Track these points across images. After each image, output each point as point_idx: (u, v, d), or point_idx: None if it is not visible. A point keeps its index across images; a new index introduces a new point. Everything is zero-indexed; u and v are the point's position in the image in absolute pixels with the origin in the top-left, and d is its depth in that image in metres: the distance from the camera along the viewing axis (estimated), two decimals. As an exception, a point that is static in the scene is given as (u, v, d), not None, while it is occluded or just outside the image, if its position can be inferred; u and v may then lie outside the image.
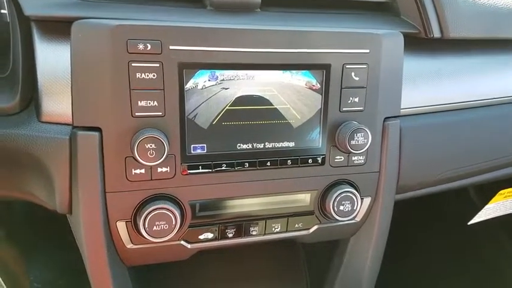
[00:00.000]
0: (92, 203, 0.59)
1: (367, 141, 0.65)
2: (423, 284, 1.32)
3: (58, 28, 0.57)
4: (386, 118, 0.70)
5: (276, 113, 0.63)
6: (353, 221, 0.75)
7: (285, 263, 0.91)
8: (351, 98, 0.66)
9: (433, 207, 1.34)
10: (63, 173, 0.59)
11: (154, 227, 0.60)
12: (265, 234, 0.71)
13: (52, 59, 0.57)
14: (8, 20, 0.60)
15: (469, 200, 1.25)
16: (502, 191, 1.01)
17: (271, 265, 0.72)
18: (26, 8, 0.55)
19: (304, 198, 0.70)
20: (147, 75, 0.56)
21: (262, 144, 0.64)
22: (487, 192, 1.05)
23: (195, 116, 0.60)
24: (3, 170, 0.63)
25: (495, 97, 0.81)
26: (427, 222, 1.36)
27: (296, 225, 0.72)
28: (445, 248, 1.33)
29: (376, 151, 0.71)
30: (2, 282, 0.90)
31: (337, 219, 0.70)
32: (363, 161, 0.70)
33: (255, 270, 0.81)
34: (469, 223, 1.07)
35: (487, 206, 1.04)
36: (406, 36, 0.69)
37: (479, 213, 1.04)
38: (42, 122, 0.58)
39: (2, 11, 0.62)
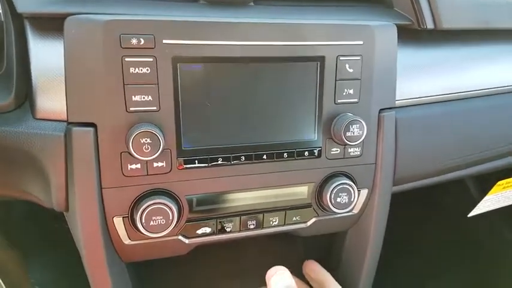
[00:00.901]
0: (88, 199, 0.59)
1: (363, 132, 0.65)
2: (423, 275, 1.31)
3: (51, 25, 0.57)
4: (381, 109, 0.70)
5: (271, 106, 0.63)
6: (350, 213, 0.75)
7: (283, 257, 0.91)
8: (345, 90, 0.66)
9: (431, 200, 1.33)
10: (59, 170, 0.59)
11: (152, 222, 0.60)
12: (263, 228, 0.71)
13: (46, 55, 0.57)
14: (1, 19, 0.60)
15: (467, 191, 1.25)
16: (500, 182, 1.01)
17: (269, 260, 0.72)
18: (19, 5, 0.55)
19: (301, 191, 0.70)
20: (141, 70, 0.56)
21: (258, 137, 0.64)
22: (485, 183, 1.05)
23: (189, 110, 0.60)
24: (-2, 168, 0.63)
25: (489, 87, 0.81)
26: (425, 215, 1.35)
27: (294, 219, 0.72)
28: (444, 239, 1.33)
29: (372, 143, 0.71)
30: (2, 283, 0.90)
31: (335, 212, 0.70)
32: (359, 152, 0.70)
33: (253, 265, 0.81)
34: (469, 215, 1.06)
35: (486, 198, 1.03)
36: (400, 28, 0.69)
37: (479, 205, 1.04)
38: (37, 119, 0.58)
39: (-5, 9, 0.62)
